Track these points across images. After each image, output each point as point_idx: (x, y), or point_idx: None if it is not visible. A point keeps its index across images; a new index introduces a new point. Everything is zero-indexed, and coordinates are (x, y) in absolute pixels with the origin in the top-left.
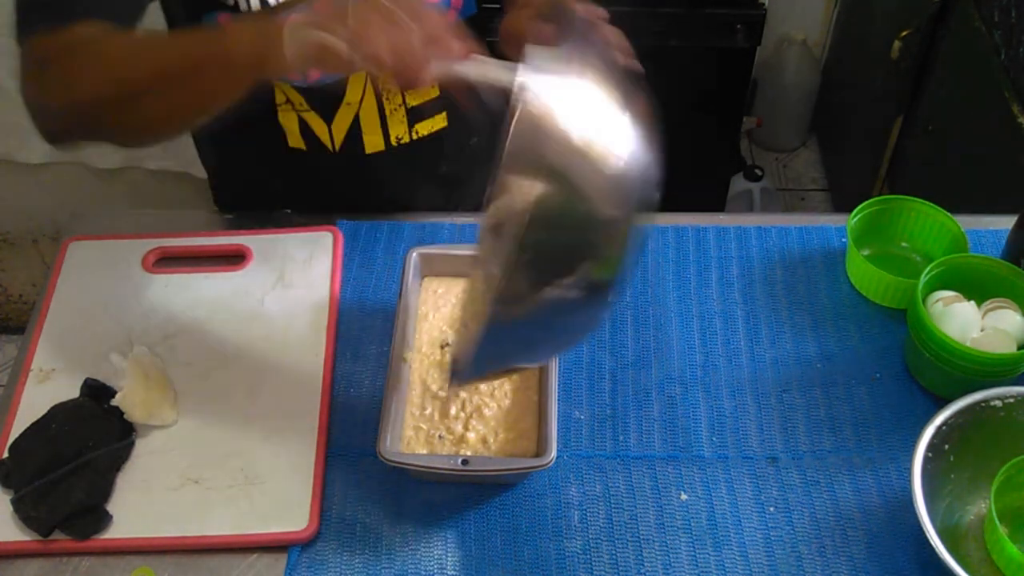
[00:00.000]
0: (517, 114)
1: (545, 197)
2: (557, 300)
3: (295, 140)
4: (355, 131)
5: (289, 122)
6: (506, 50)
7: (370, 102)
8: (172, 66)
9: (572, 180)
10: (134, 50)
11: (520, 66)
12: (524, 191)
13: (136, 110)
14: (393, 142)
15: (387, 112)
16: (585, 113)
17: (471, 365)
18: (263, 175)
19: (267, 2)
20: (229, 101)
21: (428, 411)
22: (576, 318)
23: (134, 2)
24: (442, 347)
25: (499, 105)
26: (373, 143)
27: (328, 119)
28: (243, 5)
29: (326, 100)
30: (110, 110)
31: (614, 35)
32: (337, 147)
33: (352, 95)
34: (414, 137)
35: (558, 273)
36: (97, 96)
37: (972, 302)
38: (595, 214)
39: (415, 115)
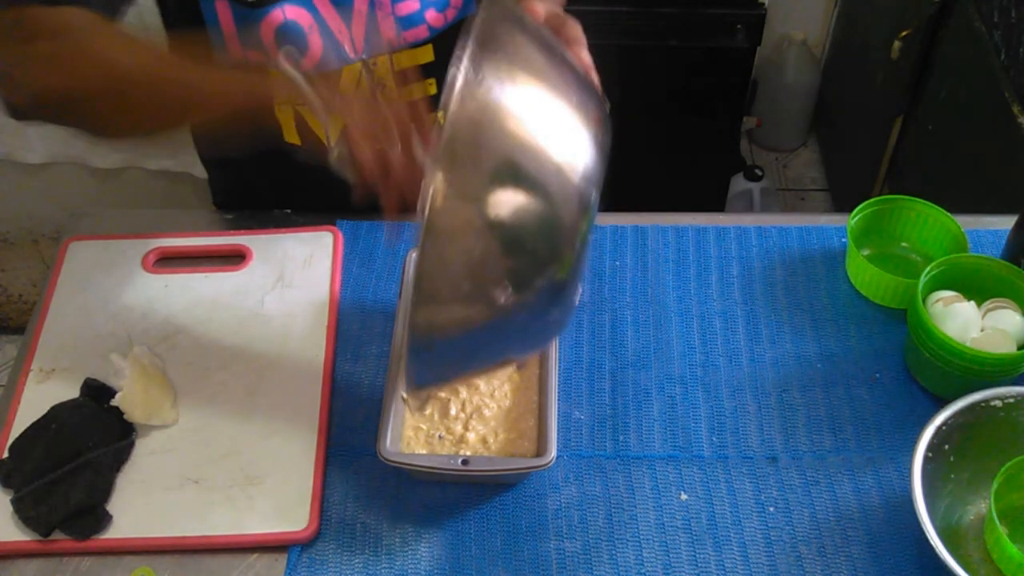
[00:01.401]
0: (456, 113)
1: (462, 193)
2: (501, 305)
3: (291, 135)
4: None
5: (285, 117)
6: None
7: (365, 95)
8: (168, 84)
9: (494, 176)
10: (131, 53)
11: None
12: (440, 191)
13: (120, 110)
14: None
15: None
16: (541, 112)
17: (413, 373)
18: (261, 173)
19: None
20: (218, 121)
21: (428, 411)
22: (528, 324)
23: None
24: None
25: None
26: None
27: None
28: None
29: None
30: (94, 103)
31: (574, 31)
32: (333, 143)
33: (346, 86)
34: None
35: (499, 278)
36: (84, 88)
37: (972, 302)
38: (526, 211)
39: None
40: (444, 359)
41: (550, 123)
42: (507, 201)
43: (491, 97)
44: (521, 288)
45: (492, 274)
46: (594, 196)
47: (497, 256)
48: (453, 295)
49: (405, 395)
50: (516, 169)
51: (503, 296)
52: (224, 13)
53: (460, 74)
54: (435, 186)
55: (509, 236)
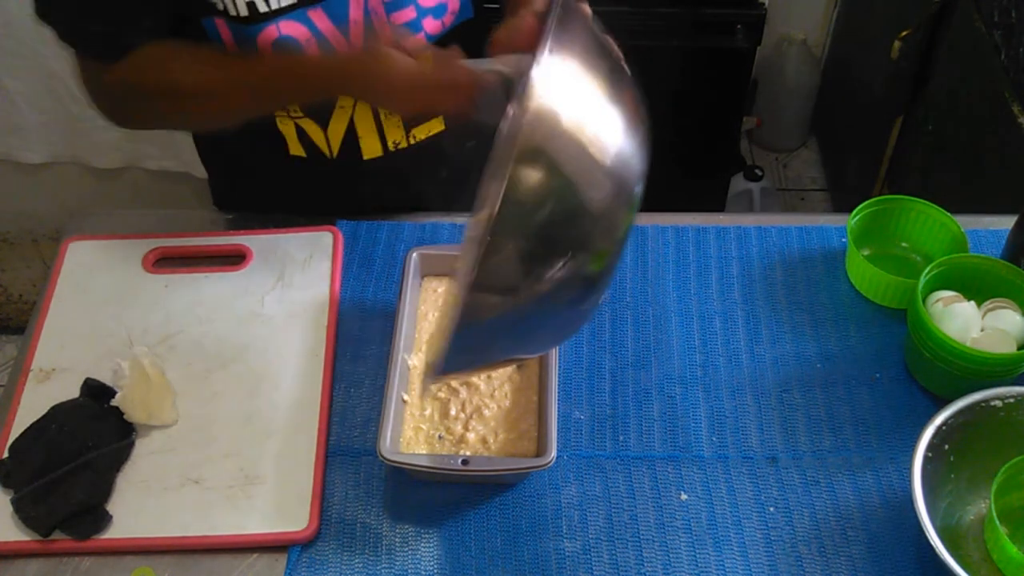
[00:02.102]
0: (519, 108)
1: (537, 185)
2: (539, 292)
3: (295, 147)
4: (351, 136)
5: (287, 129)
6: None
7: (364, 105)
8: (247, 90)
9: (568, 170)
10: (207, 82)
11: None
12: (518, 181)
13: (209, 119)
14: (391, 147)
15: (383, 116)
16: (583, 105)
17: (447, 355)
18: (264, 181)
19: (256, 8)
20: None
21: (428, 411)
22: (561, 312)
23: (165, 15)
24: None
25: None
26: (371, 148)
27: (323, 124)
28: (231, 10)
29: (320, 105)
30: (186, 110)
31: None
32: (335, 153)
33: (345, 98)
34: (411, 142)
35: (541, 263)
36: (176, 126)
37: (972, 302)
38: (587, 205)
39: (412, 120)
40: (483, 339)
41: (620, 118)
42: (581, 180)
43: (576, 79)
44: (569, 271)
45: (553, 251)
46: (639, 191)
47: (560, 234)
48: (517, 268)
49: (425, 378)
50: (592, 151)
51: (554, 274)
52: (224, 30)
53: (545, 53)
54: (497, 180)
55: (574, 214)
